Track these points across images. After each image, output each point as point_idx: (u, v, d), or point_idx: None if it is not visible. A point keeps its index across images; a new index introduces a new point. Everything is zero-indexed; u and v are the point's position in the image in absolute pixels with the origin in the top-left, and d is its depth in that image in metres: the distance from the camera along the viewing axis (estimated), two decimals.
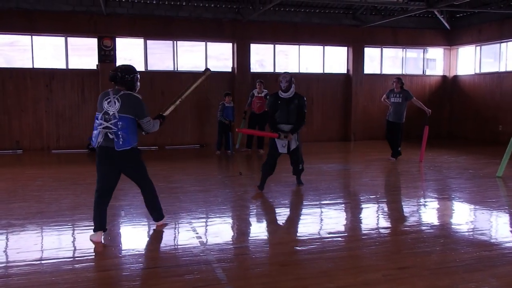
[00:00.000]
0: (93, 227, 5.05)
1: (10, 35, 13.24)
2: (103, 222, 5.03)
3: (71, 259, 4.57)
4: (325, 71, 15.86)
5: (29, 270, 4.22)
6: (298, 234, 5.38)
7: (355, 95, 15.85)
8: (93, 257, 4.58)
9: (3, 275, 4.08)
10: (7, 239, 5.21)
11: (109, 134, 4.81)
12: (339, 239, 5.18)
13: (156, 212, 5.48)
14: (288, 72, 7.52)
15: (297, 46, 15.39)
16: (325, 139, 15.75)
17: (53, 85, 13.31)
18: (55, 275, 4.07)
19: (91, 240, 4.98)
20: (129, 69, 5.02)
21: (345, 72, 16.05)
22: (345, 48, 15.97)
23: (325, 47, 15.71)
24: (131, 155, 4.95)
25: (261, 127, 12.09)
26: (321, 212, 6.48)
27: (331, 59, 16.02)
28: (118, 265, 4.35)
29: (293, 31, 14.94)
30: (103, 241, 4.98)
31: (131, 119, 4.88)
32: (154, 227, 5.51)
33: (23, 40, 13.25)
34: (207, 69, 6.20)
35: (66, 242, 5.22)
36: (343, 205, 6.93)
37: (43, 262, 4.50)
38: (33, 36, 13.12)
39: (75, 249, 4.96)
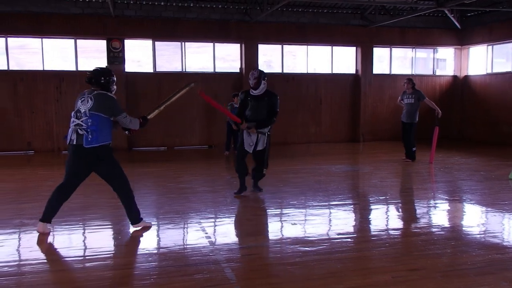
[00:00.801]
0: (44, 219, 5.15)
1: (21, 38, 13.36)
2: (52, 215, 5.15)
3: (82, 257, 4.62)
4: (333, 72, 15.84)
5: (42, 269, 4.28)
6: (306, 235, 5.39)
7: (364, 96, 15.82)
8: (104, 256, 4.62)
9: (16, 273, 4.14)
10: (19, 238, 5.27)
11: (79, 131, 4.96)
12: (348, 240, 5.19)
13: (132, 215, 5.35)
14: (259, 69, 7.17)
15: (305, 46, 15.39)
16: (333, 140, 15.74)
17: (62, 87, 13.43)
18: (67, 273, 4.12)
19: (38, 231, 5.12)
20: (104, 72, 5.22)
21: (354, 72, 16.03)
22: (354, 48, 15.94)
23: (333, 47, 15.70)
24: (101, 152, 5.03)
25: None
26: (330, 213, 6.48)
27: (340, 60, 16.01)
28: (129, 264, 4.39)
29: (301, 31, 14.95)
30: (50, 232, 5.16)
31: (102, 118, 5.01)
32: (165, 227, 5.54)
33: (33, 43, 13.38)
34: (195, 82, 6.58)
35: (77, 241, 5.27)
36: (352, 206, 6.93)
37: (54, 260, 4.55)
38: (43, 39, 13.25)
39: (85, 248, 5.01)
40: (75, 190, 5.26)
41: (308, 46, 15.42)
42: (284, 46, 15.27)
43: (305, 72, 15.56)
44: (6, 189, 7.96)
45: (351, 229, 5.73)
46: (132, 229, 5.41)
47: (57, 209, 5.22)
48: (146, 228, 5.44)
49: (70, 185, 5.17)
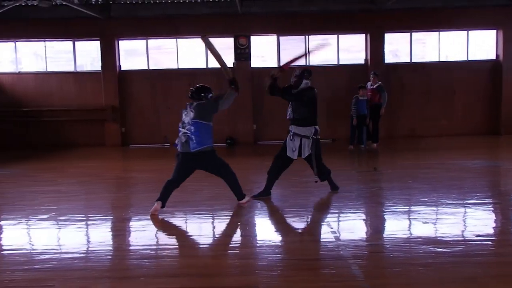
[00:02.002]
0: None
1: (158, 40, 14.51)
2: (166, 198, 5.94)
3: (212, 245, 4.87)
4: (469, 59, 14.60)
5: (177, 254, 4.61)
6: (439, 235, 5.05)
7: (506, 84, 14.30)
8: (232, 245, 4.82)
9: (155, 256, 4.51)
10: (157, 224, 5.73)
11: (183, 138, 5.82)
12: (488, 243, 4.75)
13: (238, 192, 6.23)
14: (304, 67, 6.79)
15: (437, 32, 14.40)
16: (468, 133, 14.51)
17: (195, 84, 14.23)
18: (200, 259, 4.37)
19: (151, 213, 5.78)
20: (204, 89, 6.17)
21: (494, 58, 14.59)
22: (494, 31, 14.50)
23: (469, 31, 14.44)
24: (204, 155, 5.86)
25: (373, 120, 12.19)
26: (466, 212, 6.00)
27: (476, 45, 14.69)
28: (256, 255, 4.52)
29: (432, 16, 14.01)
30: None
31: (203, 124, 5.82)
32: (291, 220, 5.61)
33: (168, 43, 14.44)
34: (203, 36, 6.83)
35: (207, 230, 5.58)
36: (492, 206, 6.32)
37: (188, 246, 4.87)
38: (177, 39, 14.22)
39: (215, 237, 5.28)
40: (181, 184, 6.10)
41: (440, 32, 14.40)
42: (413, 33, 14.46)
43: (436, 60, 14.57)
44: (147, 179, 8.71)
45: (492, 231, 5.24)
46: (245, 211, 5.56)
47: (168, 195, 6.02)
48: (249, 201, 6.32)
49: (176, 182, 6.06)
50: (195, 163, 5.95)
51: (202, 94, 6.04)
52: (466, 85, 14.58)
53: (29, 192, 7.57)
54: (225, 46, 14.34)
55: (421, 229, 5.26)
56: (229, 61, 14.19)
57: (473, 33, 14.54)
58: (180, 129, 5.92)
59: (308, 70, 6.84)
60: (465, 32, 14.43)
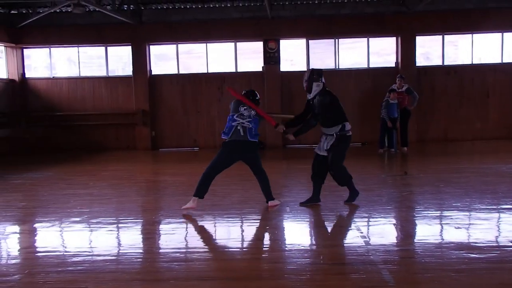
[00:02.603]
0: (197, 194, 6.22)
1: (188, 44, 14.69)
2: (205, 191, 6.31)
3: (241, 249, 4.88)
4: (503, 61, 14.22)
5: (207, 257, 4.64)
6: (473, 240, 4.92)
7: None
8: (261, 248, 4.82)
9: (185, 259, 4.55)
10: (187, 227, 5.79)
11: (240, 128, 6.19)
12: None
13: (268, 193, 6.40)
14: (310, 69, 6.50)
15: (470, 35, 14.10)
16: (503, 137, 14.12)
17: (224, 87, 14.40)
18: (229, 263, 4.39)
19: (187, 208, 6.19)
20: (254, 93, 6.63)
21: None
22: None
23: (504, 33, 14.07)
24: (255, 145, 6.31)
25: (402, 123, 12.03)
26: (500, 217, 5.83)
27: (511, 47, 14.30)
28: (285, 259, 4.50)
29: (465, 18, 13.73)
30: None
31: (258, 121, 6.36)
32: (320, 224, 5.58)
33: (198, 48, 14.61)
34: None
35: (236, 233, 5.60)
36: None
37: (217, 250, 4.90)
38: (207, 44, 14.37)
39: (243, 240, 5.29)
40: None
41: (473, 34, 14.08)
42: (445, 36, 14.19)
43: (469, 63, 14.25)
44: (177, 182, 8.81)
45: None
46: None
47: (208, 186, 6.38)
48: (277, 204, 6.39)
49: (219, 170, 6.44)
50: (244, 152, 6.29)
51: (257, 98, 6.57)
52: (500, 88, 14.21)
53: (62, 195, 7.76)
54: (254, 50, 14.43)
55: (453, 235, 5.14)
56: (259, 64, 14.24)
57: (508, 35, 14.15)
58: (237, 119, 6.24)
59: (316, 71, 6.44)
60: (500, 34, 14.06)
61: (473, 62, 14.26)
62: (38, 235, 5.68)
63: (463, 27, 13.89)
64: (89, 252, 4.85)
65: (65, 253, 4.83)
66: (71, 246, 5.14)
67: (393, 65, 14.26)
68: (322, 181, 6.50)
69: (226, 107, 14.22)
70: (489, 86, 14.21)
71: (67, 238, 5.50)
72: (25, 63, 14.83)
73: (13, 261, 4.66)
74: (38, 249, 5.11)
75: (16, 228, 6.06)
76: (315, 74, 6.36)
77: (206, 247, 5.02)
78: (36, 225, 6.08)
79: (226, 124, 6.37)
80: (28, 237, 5.62)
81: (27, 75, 14.80)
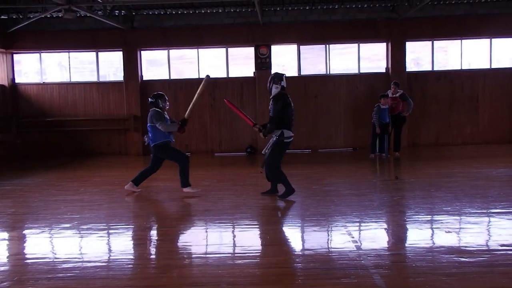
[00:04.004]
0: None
1: (180, 50, 14.68)
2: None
3: (233, 255, 4.88)
4: (492, 66, 14.37)
5: (199, 263, 4.62)
6: (463, 244, 4.96)
7: None
8: (253, 254, 4.82)
9: (176, 265, 4.53)
10: (179, 232, 5.77)
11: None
12: None
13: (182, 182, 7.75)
14: (274, 73, 7.12)
15: (459, 40, 14.23)
16: (493, 141, 14.26)
17: (216, 93, 14.40)
18: (221, 269, 4.37)
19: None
20: (153, 96, 7.84)
21: None
22: None
23: (493, 39, 14.23)
24: (157, 149, 7.73)
25: (396, 128, 12.18)
26: (490, 221, 5.88)
27: (500, 53, 14.45)
28: (277, 264, 4.50)
29: (454, 24, 13.86)
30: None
31: (151, 126, 7.62)
32: (311, 229, 5.58)
33: (190, 53, 14.61)
34: (207, 76, 7.89)
35: (228, 239, 5.58)
36: None
37: (208, 256, 4.88)
38: (199, 49, 14.38)
39: (235, 246, 5.28)
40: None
41: (463, 40, 14.23)
42: (435, 41, 14.32)
43: (459, 68, 14.39)
44: (169, 188, 8.76)
45: None
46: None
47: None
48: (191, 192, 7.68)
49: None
50: (154, 153, 8.03)
51: (150, 99, 7.87)
52: (490, 93, 14.35)
53: (53, 201, 7.71)
54: (246, 56, 14.45)
55: (444, 239, 5.18)
56: (250, 70, 14.26)
57: (496, 41, 14.32)
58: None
59: (277, 74, 7.02)
60: (488, 39, 14.22)
61: (463, 68, 14.39)
62: (27, 241, 5.63)
63: (452, 33, 14.01)
64: (80, 258, 4.82)
65: (55, 260, 4.79)
66: (61, 252, 5.11)
67: (384, 70, 14.35)
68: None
69: (218, 112, 14.27)
70: (478, 91, 14.34)
71: (57, 244, 5.46)
72: (15, 69, 14.73)
73: (2, 268, 4.61)
74: (27, 256, 5.06)
75: (5, 235, 6.00)
76: (275, 77, 6.91)
77: (198, 253, 5.00)
78: (25, 231, 6.03)
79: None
80: (17, 243, 5.57)
81: (17, 81, 14.68)
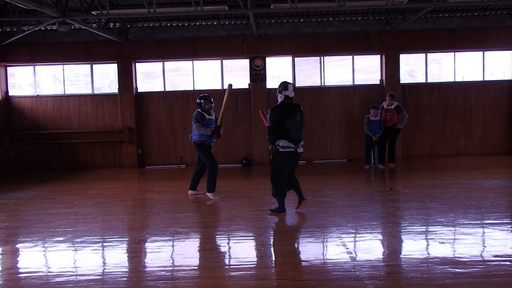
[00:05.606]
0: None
1: (175, 62, 14.74)
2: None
3: (228, 266, 4.86)
4: (485, 79, 14.51)
5: (194, 275, 4.60)
6: (457, 255, 4.97)
7: None
8: (248, 266, 4.80)
9: (171, 277, 4.52)
10: (174, 245, 5.75)
11: None
12: (507, 263, 4.65)
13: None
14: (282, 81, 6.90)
15: (452, 53, 14.38)
16: (486, 153, 14.35)
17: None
18: (216, 281, 4.36)
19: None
20: (199, 97, 8.52)
21: (511, 78, 14.49)
22: (510, 52, 14.43)
23: (485, 52, 14.39)
24: (196, 146, 8.37)
25: (391, 140, 12.28)
26: (484, 232, 5.90)
27: (493, 65, 14.60)
28: (272, 275, 4.49)
29: (448, 37, 14.01)
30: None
31: (192, 125, 8.40)
32: (306, 240, 5.58)
33: (185, 65, 14.66)
34: (229, 85, 8.34)
35: (223, 251, 5.56)
36: (510, 226, 6.21)
37: (204, 267, 4.86)
38: (194, 61, 14.44)
39: (231, 257, 5.27)
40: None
41: (456, 53, 14.37)
42: (429, 54, 14.45)
43: (452, 80, 14.51)
44: (164, 200, 8.76)
45: (510, 251, 5.12)
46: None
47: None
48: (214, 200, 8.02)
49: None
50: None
51: (197, 101, 8.57)
52: (483, 105, 14.46)
53: (46, 214, 7.66)
54: (241, 68, 14.52)
55: (438, 250, 5.19)
56: (245, 81, 14.33)
57: (489, 54, 14.47)
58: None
59: (281, 84, 6.86)
60: (481, 52, 14.37)
61: (456, 80, 14.52)
62: (20, 255, 5.59)
63: (446, 46, 14.14)
64: (73, 272, 4.79)
65: (48, 274, 4.76)
66: (55, 266, 5.07)
67: (378, 82, 14.45)
68: (289, 188, 6.96)
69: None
70: (472, 103, 14.45)
71: (50, 258, 5.42)
72: (8, 82, 14.71)
73: None
74: (20, 270, 5.03)
75: None
76: (280, 86, 6.80)
77: (192, 265, 4.98)
78: (18, 245, 5.98)
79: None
80: (10, 258, 5.53)
81: (10, 94, 14.66)
